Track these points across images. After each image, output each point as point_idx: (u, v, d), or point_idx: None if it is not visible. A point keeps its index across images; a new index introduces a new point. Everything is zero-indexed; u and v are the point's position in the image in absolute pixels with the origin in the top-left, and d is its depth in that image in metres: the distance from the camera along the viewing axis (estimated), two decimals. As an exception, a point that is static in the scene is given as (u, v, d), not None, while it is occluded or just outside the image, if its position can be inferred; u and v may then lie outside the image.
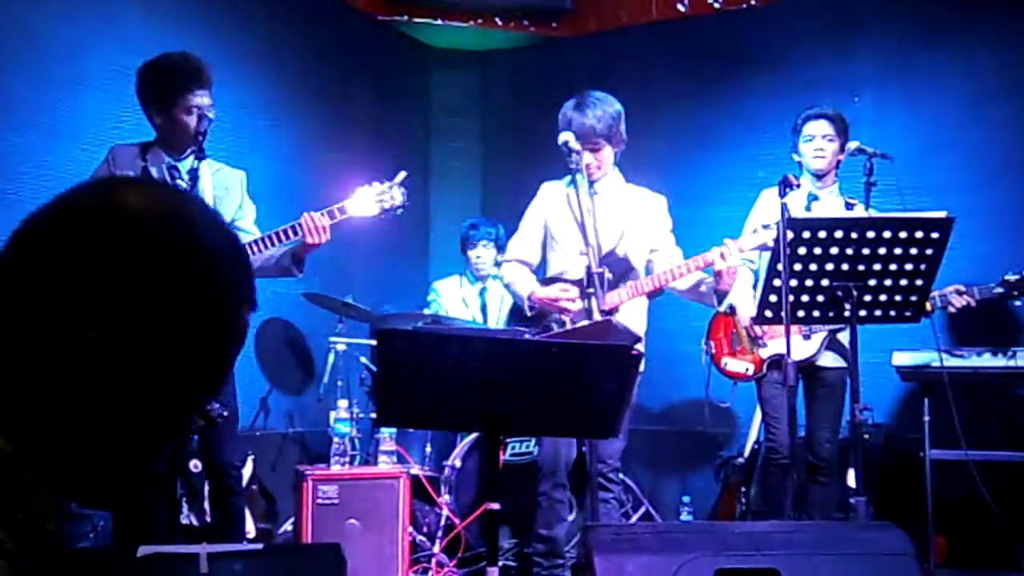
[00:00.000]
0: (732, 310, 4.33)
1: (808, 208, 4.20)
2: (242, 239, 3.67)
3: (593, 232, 3.66)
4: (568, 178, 4.08)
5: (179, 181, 3.54)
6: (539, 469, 4.05)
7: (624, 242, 4.02)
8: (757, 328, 4.20)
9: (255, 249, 3.58)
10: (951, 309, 4.08)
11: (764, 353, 4.23)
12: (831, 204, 4.22)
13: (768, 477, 4.28)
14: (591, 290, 3.48)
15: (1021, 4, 5.13)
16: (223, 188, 3.74)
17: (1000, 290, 4.10)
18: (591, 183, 4.00)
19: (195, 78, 3.51)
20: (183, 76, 3.50)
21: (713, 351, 4.47)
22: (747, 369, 4.31)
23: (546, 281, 4.10)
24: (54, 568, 0.93)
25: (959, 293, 4.06)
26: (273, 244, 3.60)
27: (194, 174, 3.37)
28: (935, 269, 3.27)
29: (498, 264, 4.24)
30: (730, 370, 4.40)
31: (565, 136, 3.85)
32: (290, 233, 3.57)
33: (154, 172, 3.57)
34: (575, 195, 3.90)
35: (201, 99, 3.51)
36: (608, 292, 3.74)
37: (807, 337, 4.11)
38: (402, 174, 3.71)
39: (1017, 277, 4.08)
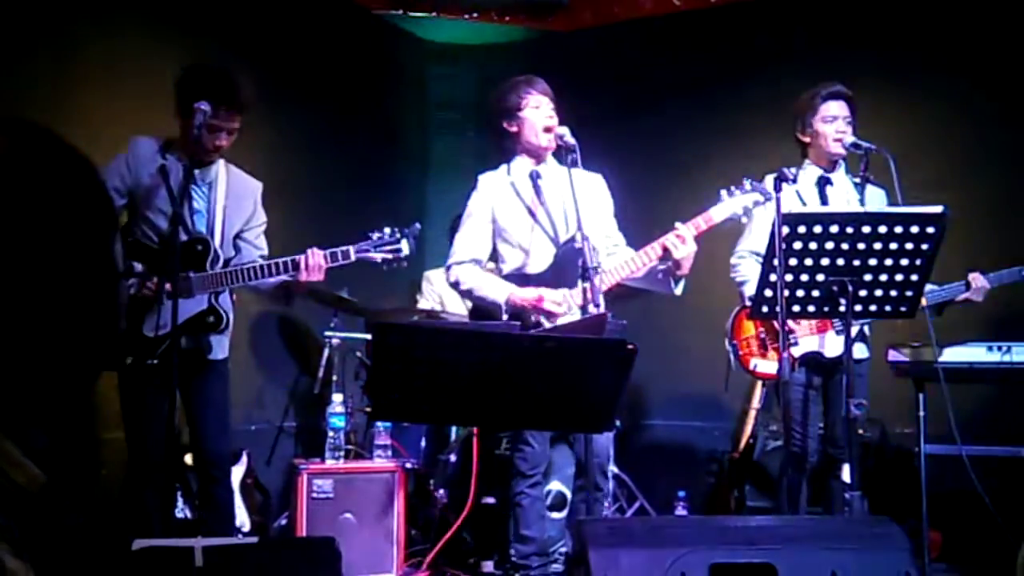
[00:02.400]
0: None
1: (822, 193, 4.05)
2: (245, 251, 3.69)
3: (575, 219, 3.55)
4: (505, 168, 3.96)
5: (194, 186, 3.57)
6: (515, 470, 3.80)
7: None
8: (792, 324, 3.89)
9: (251, 275, 3.57)
10: (973, 296, 3.99)
11: (796, 352, 3.99)
12: (844, 187, 4.09)
13: (789, 482, 4.06)
14: (586, 284, 3.45)
15: (1014, 3, 5.13)
16: (235, 196, 3.73)
17: None
18: (537, 170, 3.88)
19: (213, 95, 3.45)
20: (201, 91, 3.45)
21: (740, 352, 4.15)
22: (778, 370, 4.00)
23: (508, 279, 3.85)
24: (44, 532, 0.94)
25: (976, 276, 3.99)
26: (270, 273, 3.58)
27: (207, 176, 3.38)
28: (930, 264, 3.26)
29: (448, 268, 3.91)
30: (760, 371, 4.13)
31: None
32: (289, 266, 3.56)
33: (171, 174, 3.53)
34: (526, 184, 3.84)
35: (213, 119, 3.45)
36: (572, 288, 3.65)
37: (840, 332, 3.88)
38: (417, 227, 3.69)
39: None
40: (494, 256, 3.95)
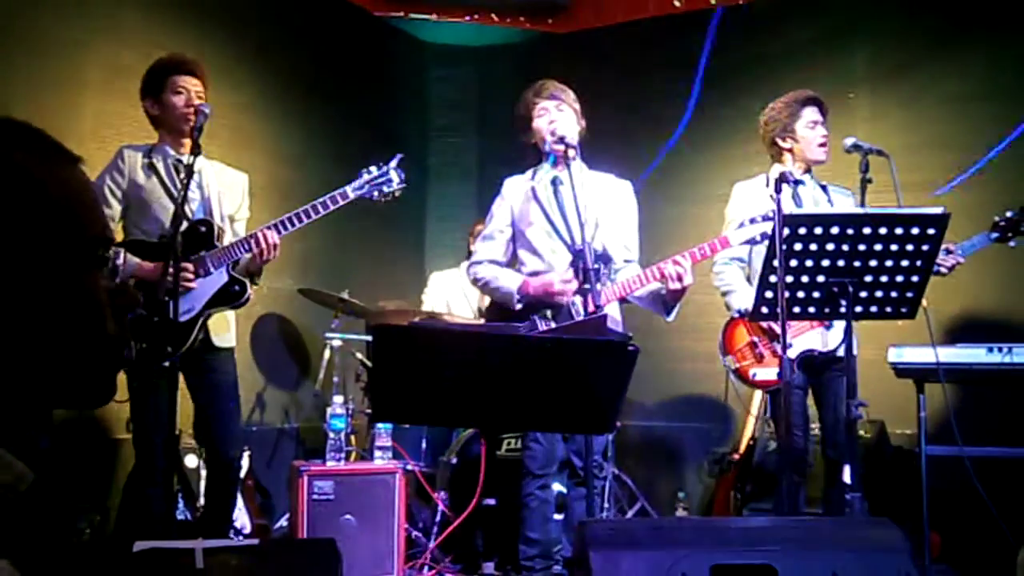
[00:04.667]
0: (745, 314, 4.04)
1: (796, 195, 4.09)
2: (233, 232, 3.76)
3: (579, 226, 3.55)
4: (530, 172, 4.01)
5: (182, 177, 3.59)
6: (525, 469, 3.85)
7: (600, 233, 3.84)
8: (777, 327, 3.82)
9: (230, 254, 3.69)
10: (943, 271, 3.94)
11: (791, 353, 3.92)
12: (812, 190, 4.17)
13: (789, 484, 4.02)
14: (587, 286, 3.45)
15: (1011, 6, 5.14)
16: (226, 185, 3.89)
17: (996, 235, 4.03)
18: (560, 176, 3.86)
19: (182, 65, 3.71)
20: (170, 64, 3.72)
21: (736, 365, 4.16)
22: (777, 374, 4.00)
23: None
24: (30, 528, 0.93)
25: (948, 252, 3.95)
26: (238, 254, 3.68)
27: (192, 169, 3.41)
28: (930, 265, 3.27)
29: (469, 267, 4.06)
30: (760, 379, 4.13)
31: (564, 129, 3.79)
32: (250, 245, 3.65)
33: (160, 168, 3.70)
34: (547, 191, 3.85)
35: (187, 82, 3.68)
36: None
37: (829, 327, 3.96)
38: (398, 157, 3.83)
39: (1009, 216, 4.00)
40: (513, 260, 4.03)
